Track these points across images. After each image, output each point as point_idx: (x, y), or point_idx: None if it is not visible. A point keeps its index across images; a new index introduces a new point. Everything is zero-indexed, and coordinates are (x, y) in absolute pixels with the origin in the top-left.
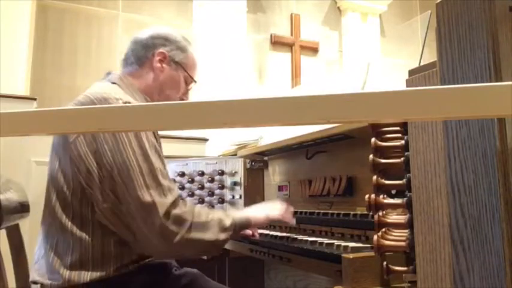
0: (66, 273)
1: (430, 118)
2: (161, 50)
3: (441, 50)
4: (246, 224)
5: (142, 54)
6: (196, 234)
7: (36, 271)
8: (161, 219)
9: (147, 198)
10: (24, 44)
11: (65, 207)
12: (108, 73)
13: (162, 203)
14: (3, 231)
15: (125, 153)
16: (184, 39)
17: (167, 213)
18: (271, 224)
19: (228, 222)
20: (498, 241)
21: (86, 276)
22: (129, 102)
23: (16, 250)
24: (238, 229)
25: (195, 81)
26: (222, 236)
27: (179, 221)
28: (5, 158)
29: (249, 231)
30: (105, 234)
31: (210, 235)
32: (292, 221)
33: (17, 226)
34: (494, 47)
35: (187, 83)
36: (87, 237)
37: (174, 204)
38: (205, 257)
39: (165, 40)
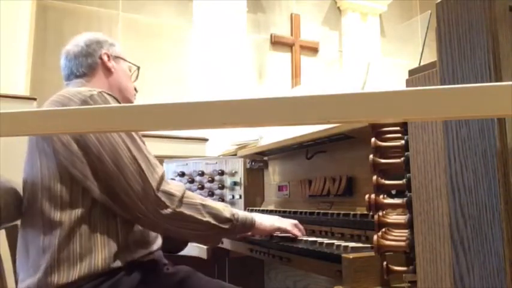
0: (54, 276)
1: (430, 118)
2: (103, 51)
3: (441, 50)
4: (250, 225)
5: (90, 61)
6: (186, 211)
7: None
8: (154, 191)
9: (139, 171)
10: (24, 44)
11: (52, 201)
12: (68, 84)
13: (153, 176)
14: (3, 232)
15: (109, 134)
16: (105, 36)
17: (158, 186)
18: (277, 234)
19: (226, 214)
20: (498, 241)
21: (74, 274)
22: (105, 92)
23: (16, 250)
24: (239, 226)
25: (138, 67)
26: (214, 221)
27: (169, 194)
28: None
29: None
30: (109, 224)
31: (201, 216)
32: (300, 234)
33: (16, 226)
34: (494, 47)
35: (131, 71)
36: (83, 230)
37: (162, 177)
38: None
39: (98, 43)
